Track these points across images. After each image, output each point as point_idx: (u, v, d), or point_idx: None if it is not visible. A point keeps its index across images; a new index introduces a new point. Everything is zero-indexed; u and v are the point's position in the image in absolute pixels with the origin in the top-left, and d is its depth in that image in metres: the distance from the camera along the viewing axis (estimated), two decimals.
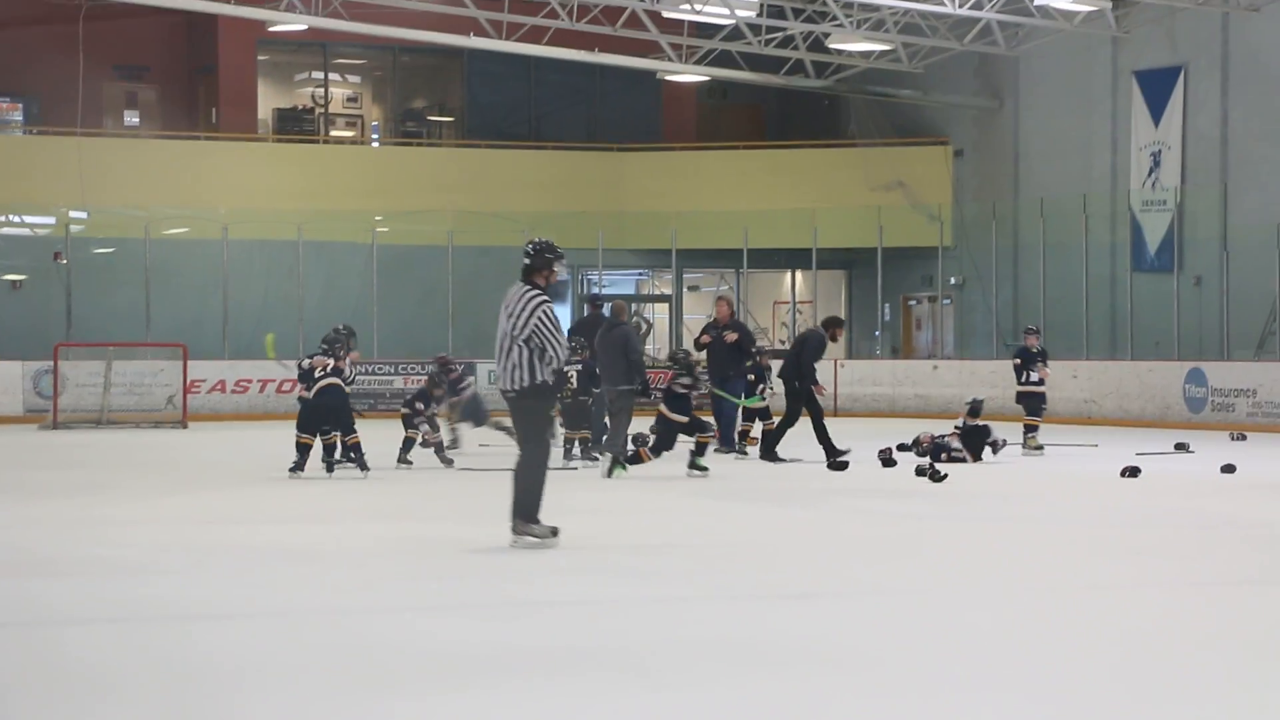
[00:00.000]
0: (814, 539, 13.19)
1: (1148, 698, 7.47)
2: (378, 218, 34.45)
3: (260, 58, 37.25)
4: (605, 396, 20.27)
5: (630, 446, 18.92)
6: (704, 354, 21.57)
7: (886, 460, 19.94)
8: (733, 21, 32.18)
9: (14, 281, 33.24)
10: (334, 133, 37.83)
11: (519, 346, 12.19)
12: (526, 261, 12.50)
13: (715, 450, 20.81)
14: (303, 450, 17.94)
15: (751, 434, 22.12)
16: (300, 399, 18.50)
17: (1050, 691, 7.54)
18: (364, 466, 18.00)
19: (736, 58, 34.54)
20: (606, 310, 21.54)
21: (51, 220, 33.71)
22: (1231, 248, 30.06)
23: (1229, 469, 19.05)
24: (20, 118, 35.70)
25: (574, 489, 17.37)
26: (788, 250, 36.81)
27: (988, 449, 20.50)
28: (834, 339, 21.18)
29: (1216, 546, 12.81)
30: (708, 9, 30.62)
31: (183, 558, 11.63)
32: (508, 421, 13.87)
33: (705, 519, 13.89)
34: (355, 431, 18.11)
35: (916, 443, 21.00)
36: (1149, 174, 31.96)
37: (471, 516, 14.82)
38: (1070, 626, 9.17)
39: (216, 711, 7.15)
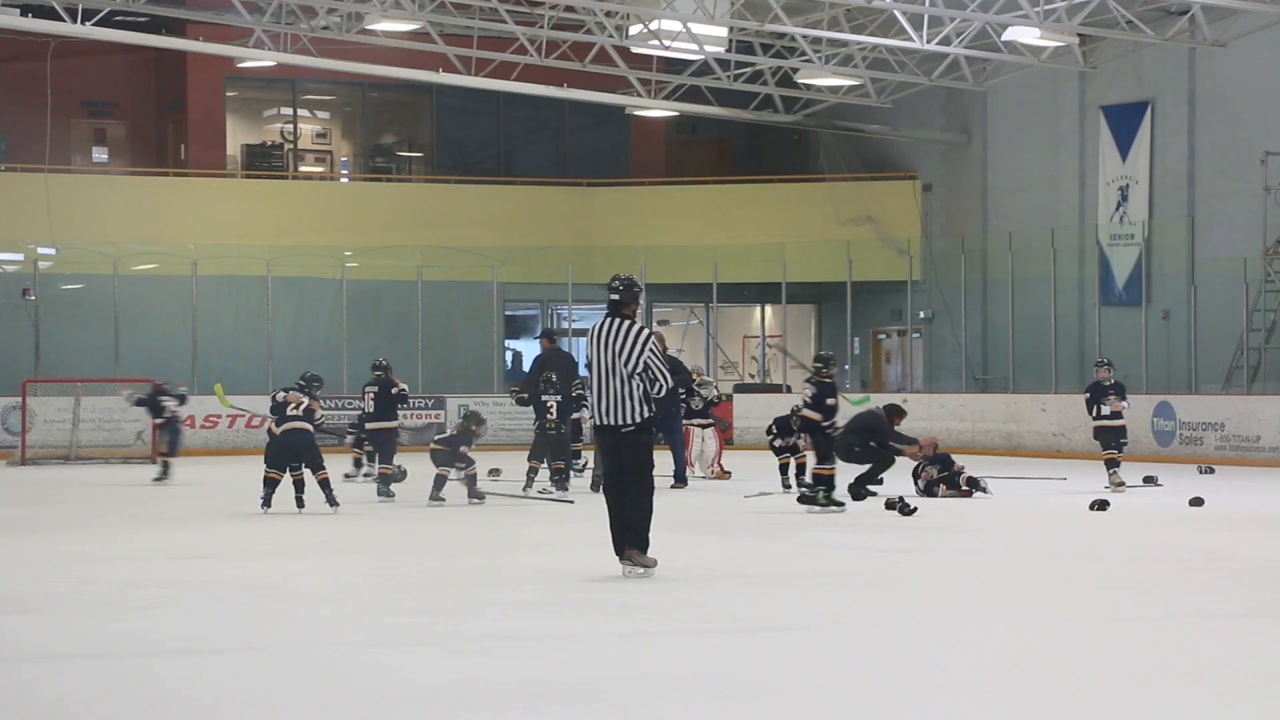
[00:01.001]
0: (783, 572, 13.18)
1: None
2: (347, 253, 34.43)
3: (229, 94, 37.24)
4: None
5: None
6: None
7: (857, 494, 19.93)
8: (701, 57, 32.27)
9: None
10: (303, 168, 37.81)
11: (632, 380, 12.29)
12: (615, 297, 12.66)
13: (670, 486, 21.00)
14: (269, 485, 17.93)
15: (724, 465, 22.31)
16: (269, 432, 18.47)
17: None
18: (333, 502, 17.98)
19: (705, 93, 34.63)
20: (565, 344, 21.87)
21: (20, 257, 33.62)
22: (1199, 281, 30.18)
23: (1197, 502, 19.09)
24: None
25: (542, 521, 17.37)
26: (757, 284, 36.88)
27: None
28: (894, 423, 20.41)
29: (1186, 580, 12.84)
30: (676, 45, 30.68)
31: (152, 593, 11.60)
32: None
33: (673, 552, 13.87)
34: (324, 468, 18.09)
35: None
36: (1117, 208, 32.09)
37: (440, 551, 14.82)
38: (1041, 660, 9.18)
39: None
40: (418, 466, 21.98)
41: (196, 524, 17.20)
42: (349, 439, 23.61)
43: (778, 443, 21.03)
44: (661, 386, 12.39)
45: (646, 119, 37.99)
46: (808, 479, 19.37)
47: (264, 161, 37.04)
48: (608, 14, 30.56)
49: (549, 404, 20.75)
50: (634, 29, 30.61)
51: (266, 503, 17.83)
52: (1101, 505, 18.45)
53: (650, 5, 29.39)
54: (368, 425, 20.86)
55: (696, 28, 29.85)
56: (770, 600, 11.49)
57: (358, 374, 32.26)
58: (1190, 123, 30.94)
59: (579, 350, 38.34)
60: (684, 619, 10.65)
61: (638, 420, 12.30)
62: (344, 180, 38.06)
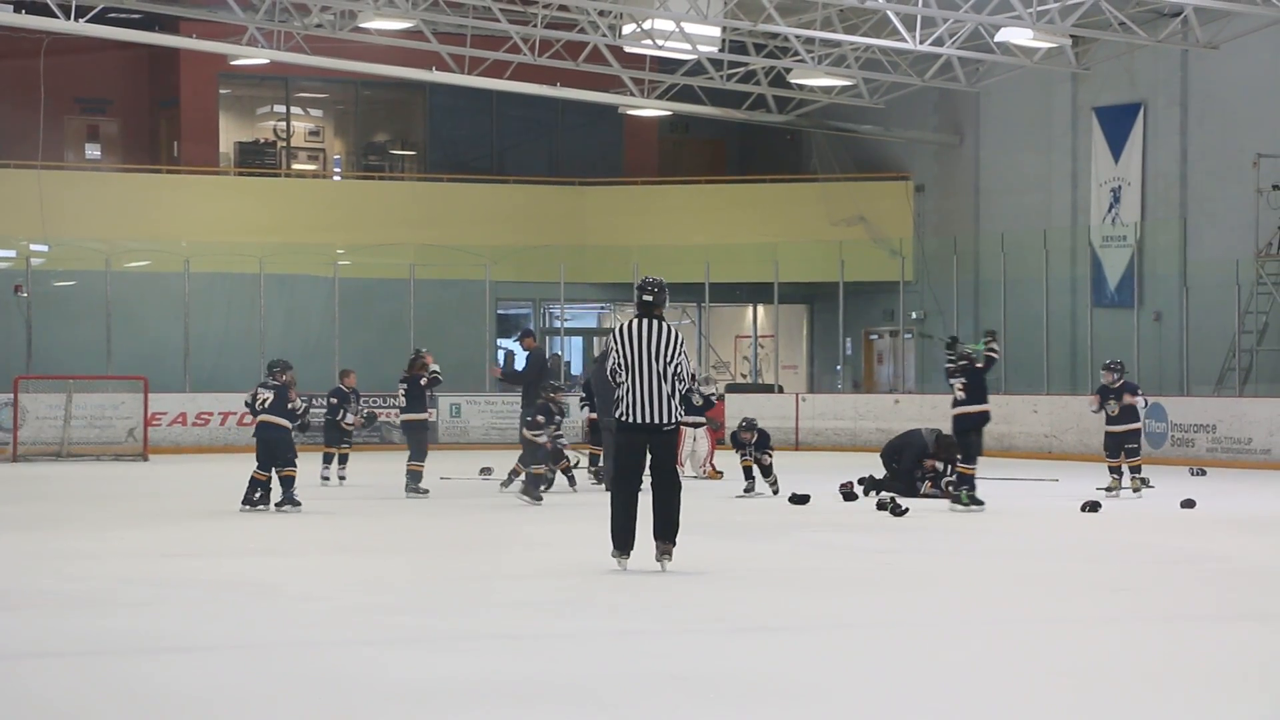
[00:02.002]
0: (775, 572, 13.19)
1: None
2: (339, 251, 34.42)
3: (222, 91, 37.22)
4: (601, 426, 20.84)
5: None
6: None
7: (848, 494, 19.97)
8: (694, 57, 32.28)
9: None
10: (296, 166, 37.80)
11: (669, 380, 12.54)
12: (648, 299, 12.80)
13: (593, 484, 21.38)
14: (253, 485, 17.91)
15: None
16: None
17: None
18: (294, 502, 17.86)
19: (698, 93, 34.63)
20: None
21: (12, 253, 33.59)
22: (1191, 283, 30.21)
23: (1189, 504, 19.11)
24: None
25: (535, 519, 17.37)
26: (749, 284, 36.89)
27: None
28: (935, 456, 20.57)
29: (1177, 582, 12.86)
30: (669, 44, 30.70)
31: (144, 591, 11.60)
32: None
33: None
34: (292, 465, 17.97)
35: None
36: (1109, 210, 32.12)
37: (433, 548, 14.83)
38: (1031, 661, 9.19)
39: None
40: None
41: (188, 521, 17.20)
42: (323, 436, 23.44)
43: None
44: (688, 387, 12.68)
45: (639, 118, 38.00)
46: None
47: (257, 159, 37.03)
48: (601, 13, 30.56)
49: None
50: (627, 28, 30.62)
51: (244, 501, 17.84)
52: (1093, 506, 18.47)
53: (643, 5, 29.39)
54: (401, 418, 20.96)
55: (689, 27, 29.87)
56: (762, 600, 11.50)
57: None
58: (1183, 124, 30.97)
59: (572, 350, 38.39)
60: (676, 618, 10.66)
61: (676, 419, 12.65)
62: (337, 178, 38.06)
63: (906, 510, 17.81)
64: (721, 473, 23.44)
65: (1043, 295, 32.25)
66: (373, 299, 34.53)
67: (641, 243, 35.82)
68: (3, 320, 32.62)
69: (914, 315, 35.76)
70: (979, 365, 19.05)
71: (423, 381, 20.44)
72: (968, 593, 12.03)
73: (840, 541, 15.51)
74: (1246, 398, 28.23)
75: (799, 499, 19.32)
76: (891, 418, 31.91)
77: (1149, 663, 9.16)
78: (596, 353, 36.04)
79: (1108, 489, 20.82)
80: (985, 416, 19.04)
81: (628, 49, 32.03)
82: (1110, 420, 21.11)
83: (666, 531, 12.59)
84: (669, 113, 36.41)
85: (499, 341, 35.90)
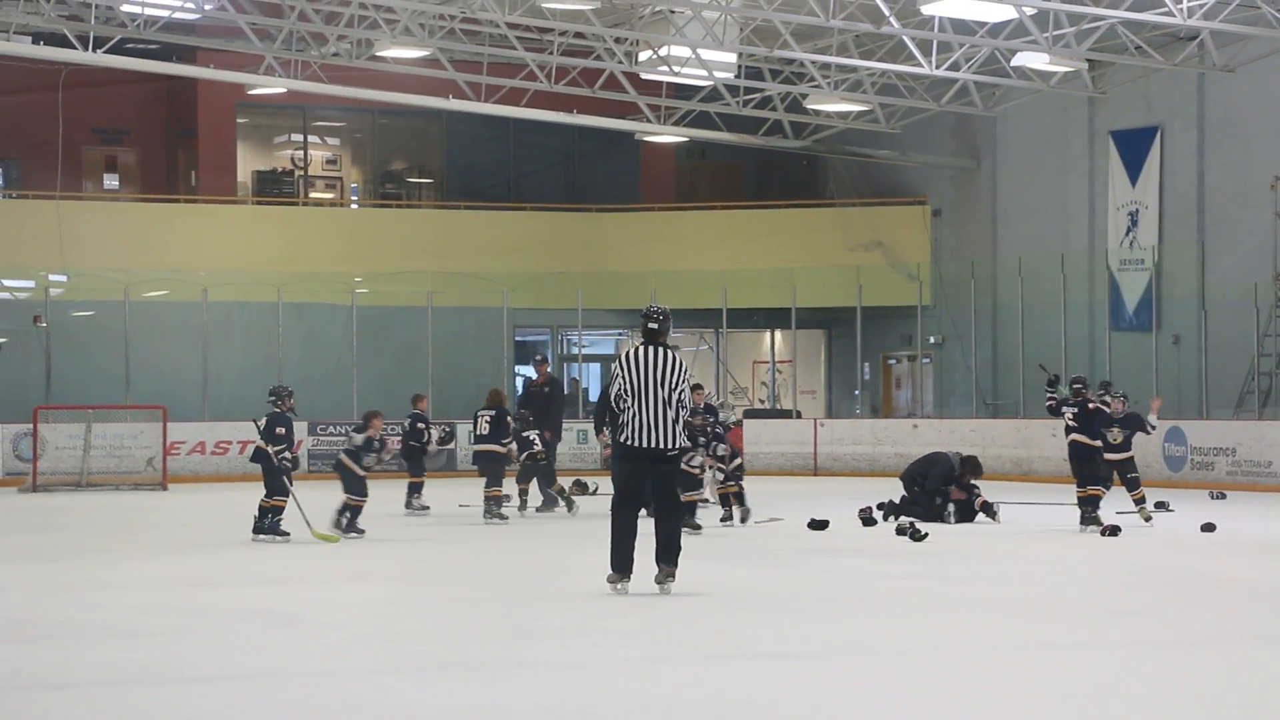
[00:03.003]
0: (792, 598, 13.17)
1: None
2: (357, 279, 34.47)
3: (239, 121, 37.32)
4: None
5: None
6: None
7: (867, 519, 19.94)
8: (711, 83, 32.32)
9: None
10: (313, 195, 37.88)
11: (673, 407, 12.76)
12: (654, 326, 12.97)
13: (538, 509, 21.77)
14: (261, 513, 17.92)
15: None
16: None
17: None
18: (274, 531, 17.81)
19: (715, 118, 34.67)
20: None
21: (31, 284, 33.69)
22: (1209, 306, 30.16)
23: (1209, 528, 19.05)
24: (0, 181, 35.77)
25: (554, 546, 17.36)
26: (767, 310, 36.88)
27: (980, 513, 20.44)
28: (960, 481, 20.66)
29: (1198, 606, 12.82)
30: (686, 70, 30.76)
31: (163, 621, 11.61)
32: None
33: (682, 579, 13.87)
34: (280, 496, 17.85)
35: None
36: (1126, 233, 32.09)
37: (448, 577, 14.83)
38: (1052, 686, 9.17)
39: None
40: (427, 491, 22.05)
41: (208, 551, 17.21)
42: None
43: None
44: (688, 412, 13.15)
45: (656, 144, 38.04)
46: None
47: (274, 188, 37.11)
48: (617, 40, 30.64)
49: (531, 436, 21.39)
50: (643, 55, 30.69)
51: (258, 529, 17.81)
52: (1113, 531, 18.44)
53: (660, 31, 29.47)
54: (476, 447, 21.22)
55: (706, 53, 29.93)
56: (779, 626, 11.49)
57: (368, 400, 32.23)
58: (1200, 148, 30.93)
59: (590, 377, 38.38)
60: (694, 645, 10.65)
61: (680, 445, 12.90)
62: (354, 206, 38.14)
63: (926, 535, 17.79)
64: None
65: (1060, 319, 32.20)
66: (390, 327, 34.56)
67: (659, 269, 35.83)
68: (22, 350, 32.69)
69: (931, 340, 35.73)
70: (1091, 407, 19.42)
71: (509, 419, 21.04)
72: (988, 618, 12.00)
73: (859, 567, 15.48)
74: (1266, 421, 28.15)
75: (818, 524, 19.28)
76: (910, 442, 31.84)
77: (1171, 687, 9.13)
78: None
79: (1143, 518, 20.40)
80: (1092, 448, 19.27)
81: (644, 75, 32.09)
82: (1111, 449, 20.69)
83: (668, 554, 12.79)
84: (686, 139, 36.47)
85: (516, 368, 35.89)
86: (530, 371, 23.21)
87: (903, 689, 9.08)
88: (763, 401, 38.08)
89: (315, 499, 18.42)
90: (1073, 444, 19.42)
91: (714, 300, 35.43)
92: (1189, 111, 31.07)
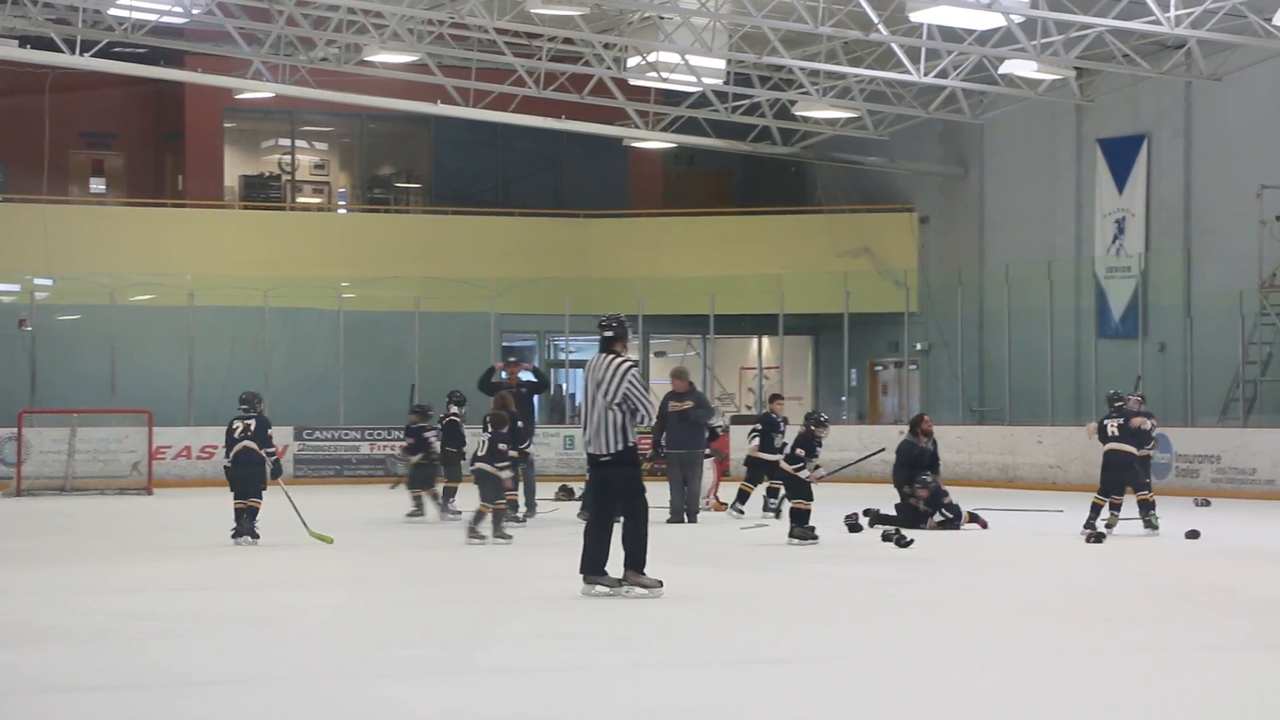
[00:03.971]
0: (780, 604, 13.18)
1: None
2: (344, 284, 34.44)
3: (227, 125, 37.31)
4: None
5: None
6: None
7: (853, 526, 19.95)
8: (699, 89, 32.33)
9: None
10: (301, 199, 37.86)
11: (612, 411, 12.96)
12: (609, 334, 13.37)
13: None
14: (237, 515, 18.02)
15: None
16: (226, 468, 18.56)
17: None
18: (253, 534, 17.94)
19: (703, 125, 34.69)
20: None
21: (17, 287, 33.62)
22: (1195, 314, 30.21)
23: (1193, 535, 19.08)
24: None
25: (540, 552, 17.35)
26: (754, 316, 36.89)
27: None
28: (927, 434, 21.32)
29: (1181, 613, 12.83)
30: (674, 76, 30.77)
31: (149, 625, 11.59)
32: None
33: (669, 584, 13.88)
34: (258, 498, 18.06)
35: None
36: (1113, 241, 32.13)
37: (432, 582, 14.82)
38: (1039, 693, 9.18)
39: None
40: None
41: (194, 555, 17.18)
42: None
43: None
44: (643, 417, 13.07)
45: (644, 150, 38.06)
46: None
47: (261, 192, 37.08)
48: (606, 46, 30.65)
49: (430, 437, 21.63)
50: (632, 61, 30.70)
51: (235, 533, 17.93)
52: (1097, 538, 18.46)
53: (649, 37, 29.48)
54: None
55: (694, 60, 29.94)
56: (766, 632, 11.49)
57: (354, 406, 32.35)
58: (1186, 156, 31.00)
59: (577, 383, 38.35)
60: (680, 651, 10.65)
61: (614, 450, 12.99)
62: (341, 211, 38.11)
63: (911, 542, 17.79)
64: (726, 504, 23.36)
65: (1047, 326, 32.24)
66: (377, 332, 34.53)
67: (646, 275, 35.86)
68: (7, 354, 32.63)
69: (918, 346, 35.76)
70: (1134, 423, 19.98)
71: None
72: (973, 624, 12.01)
73: (844, 573, 15.49)
74: (1251, 428, 28.20)
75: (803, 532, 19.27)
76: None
77: (1152, 694, 9.14)
78: None
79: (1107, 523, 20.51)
80: (1125, 455, 19.62)
81: (632, 81, 32.11)
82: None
83: (627, 560, 12.98)
84: (674, 145, 36.47)
85: (504, 374, 35.81)
86: (522, 375, 22.82)
87: (887, 695, 9.09)
88: (750, 408, 38.08)
89: (304, 504, 18.44)
90: (1116, 453, 19.58)
91: (701, 306, 35.45)
92: (1176, 120, 31.14)
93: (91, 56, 29.57)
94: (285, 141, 38.09)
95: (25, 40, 30.61)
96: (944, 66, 29.86)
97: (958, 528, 20.31)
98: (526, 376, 22.65)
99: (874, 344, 37.03)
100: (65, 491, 28.47)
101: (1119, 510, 19.75)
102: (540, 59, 31.32)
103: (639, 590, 12.84)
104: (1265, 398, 29.04)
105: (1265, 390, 29.05)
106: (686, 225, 37.77)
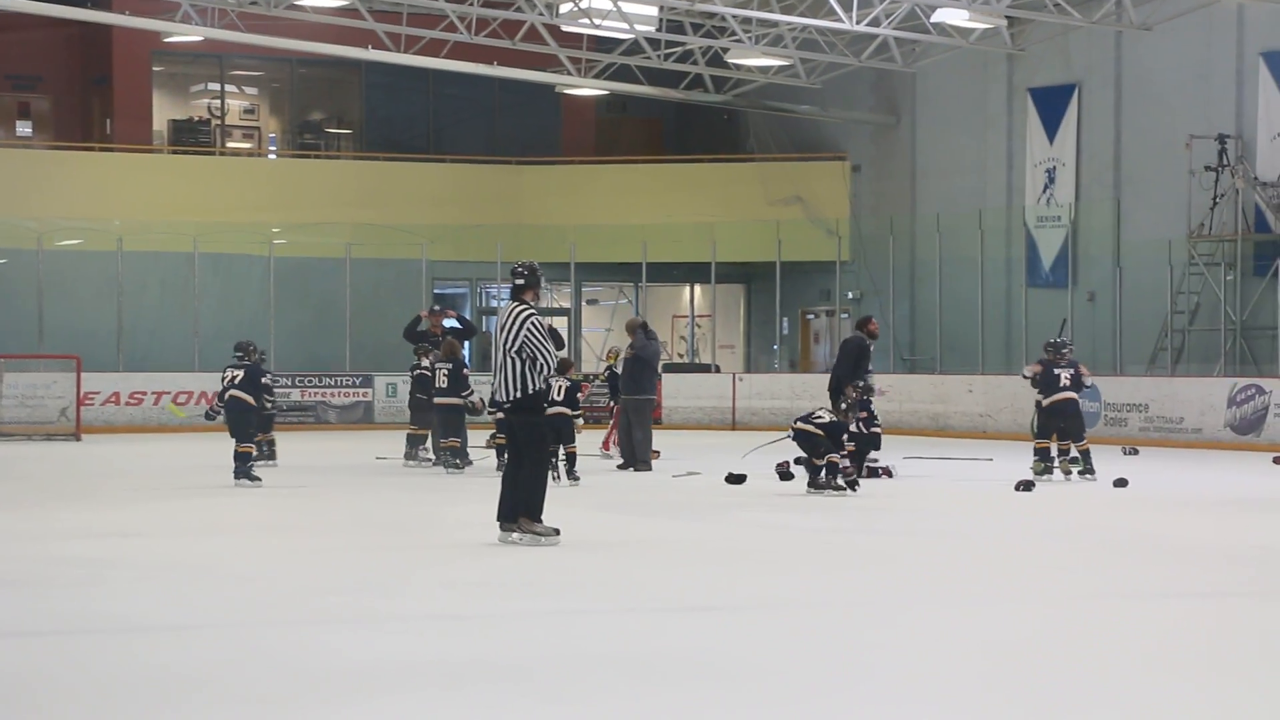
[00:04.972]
0: (713, 552, 13.21)
1: (1035, 709, 7.55)
2: (275, 230, 34.26)
3: (155, 69, 36.97)
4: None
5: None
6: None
7: (784, 474, 19.98)
8: (632, 36, 32.22)
9: None
10: (230, 145, 37.61)
11: (511, 359, 13.02)
12: (519, 282, 13.34)
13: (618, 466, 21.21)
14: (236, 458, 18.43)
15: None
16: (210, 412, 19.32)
17: (951, 707, 7.60)
18: (252, 477, 18.28)
19: (635, 72, 34.60)
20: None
21: None
22: (1125, 264, 30.39)
23: (1121, 483, 19.24)
24: None
25: (480, 500, 17.34)
26: (686, 264, 36.91)
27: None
28: (874, 335, 21.40)
29: (1109, 560, 12.93)
30: (606, 23, 30.67)
31: (78, 571, 11.53)
32: None
33: (600, 532, 13.90)
34: (251, 443, 18.48)
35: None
36: (1044, 190, 32.27)
37: (371, 528, 14.80)
38: (968, 639, 9.24)
39: None
40: (343, 443, 21.98)
41: (123, 502, 17.12)
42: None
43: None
44: (543, 365, 13.09)
45: (576, 98, 37.96)
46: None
47: (191, 137, 36.80)
48: None
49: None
50: (564, 7, 30.57)
51: (240, 475, 18.34)
52: (1026, 486, 18.60)
53: None
54: (437, 400, 20.94)
55: (627, 6, 29.85)
56: (700, 580, 11.52)
57: (285, 351, 32.18)
58: (1116, 106, 31.14)
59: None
60: (613, 598, 10.68)
61: (514, 397, 13.11)
62: (272, 157, 37.89)
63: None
64: (658, 452, 23.29)
65: (978, 276, 32.40)
66: (308, 278, 34.39)
67: (579, 222, 35.80)
68: None
69: (850, 295, 35.84)
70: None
71: (464, 371, 20.98)
72: (906, 573, 12.07)
73: (778, 521, 15.53)
74: (1178, 377, 28.42)
75: (735, 478, 19.33)
76: (827, 397, 31.97)
77: (1081, 639, 9.21)
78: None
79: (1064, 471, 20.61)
80: (1074, 403, 20.22)
81: (565, 28, 31.97)
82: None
83: (521, 507, 13.06)
84: (606, 92, 36.41)
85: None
86: (451, 323, 22.90)
87: (819, 642, 9.14)
88: (682, 356, 38.15)
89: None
90: (1070, 401, 20.07)
91: (634, 254, 35.44)
92: (1106, 69, 31.26)
93: None
94: (215, 86, 37.79)
95: None
96: (876, 15, 29.86)
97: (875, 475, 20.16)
98: (450, 324, 22.81)
99: (806, 292, 37.11)
100: None
101: (1067, 456, 20.02)
102: (472, 4, 31.13)
103: (534, 538, 12.88)
104: (1193, 347, 29.27)
105: (1193, 340, 29.28)
106: (619, 173, 37.71)
